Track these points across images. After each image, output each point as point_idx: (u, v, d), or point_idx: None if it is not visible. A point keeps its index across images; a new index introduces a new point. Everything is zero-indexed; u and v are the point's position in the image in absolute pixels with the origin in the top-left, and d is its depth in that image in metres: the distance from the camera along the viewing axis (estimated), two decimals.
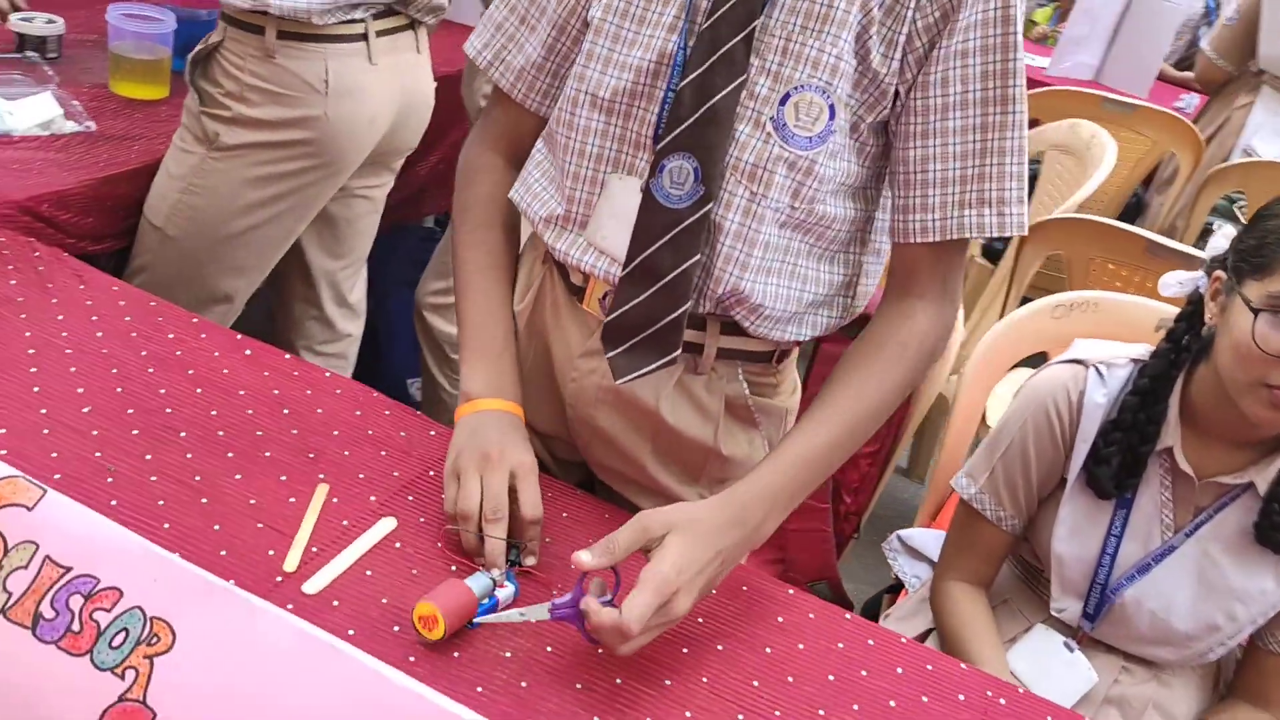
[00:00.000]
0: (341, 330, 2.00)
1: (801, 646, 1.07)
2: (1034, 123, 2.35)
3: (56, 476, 1.04)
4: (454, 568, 1.06)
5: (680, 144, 1.02)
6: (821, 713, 1.00)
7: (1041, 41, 4.25)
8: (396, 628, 0.98)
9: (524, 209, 1.16)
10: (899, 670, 1.08)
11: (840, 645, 1.09)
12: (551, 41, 1.13)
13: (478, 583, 1.00)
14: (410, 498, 1.13)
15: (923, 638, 1.51)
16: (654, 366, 1.08)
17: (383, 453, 1.18)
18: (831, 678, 1.05)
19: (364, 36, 1.66)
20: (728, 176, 1.05)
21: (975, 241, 2.47)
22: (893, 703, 1.04)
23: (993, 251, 2.72)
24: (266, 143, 1.65)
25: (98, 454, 1.08)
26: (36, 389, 1.15)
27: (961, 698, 1.06)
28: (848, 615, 1.13)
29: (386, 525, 1.08)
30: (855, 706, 1.02)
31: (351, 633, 0.96)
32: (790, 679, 1.03)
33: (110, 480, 1.05)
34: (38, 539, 0.78)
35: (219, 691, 0.74)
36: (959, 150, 1.03)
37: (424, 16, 1.77)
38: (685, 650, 1.04)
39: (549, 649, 1.00)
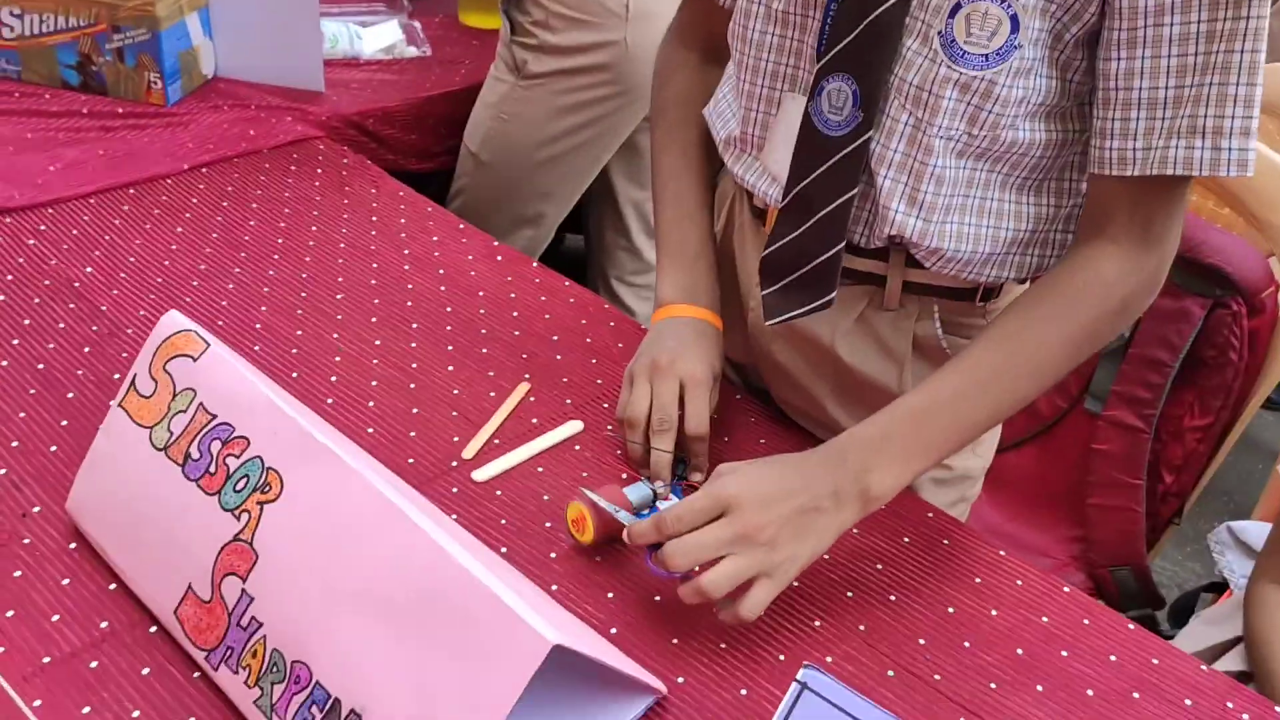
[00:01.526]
0: (650, 261, 2.02)
1: (994, 613, 0.94)
2: None
3: (294, 351, 1.14)
4: (625, 476, 1.03)
5: (839, 63, 0.91)
6: (993, 686, 0.87)
7: None
8: (549, 524, 0.97)
9: (711, 128, 1.09)
10: (1112, 658, 0.91)
11: (1045, 619, 0.94)
12: None
13: (637, 492, 0.97)
14: (605, 404, 1.12)
15: (1229, 646, 1.28)
16: (805, 310, 0.98)
17: (593, 360, 1.18)
18: (1020, 651, 0.91)
19: None
20: (890, 100, 0.92)
21: None
22: (1090, 692, 0.88)
23: None
24: (569, 69, 1.69)
25: (335, 335, 1.17)
26: (304, 275, 1.26)
27: (1189, 703, 0.88)
28: (1066, 588, 0.97)
29: (572, 427, 1.08)
30: (1039, 688, 0.88)
31: (504, 522, 0.97)
32: (966, 644, 0.91)
33: (338, 359, 1.14)
34: (196, 387, 0.85)
35: (308, 543, 0.77)
36: (1173, 65, 0.83)
37: None
38: (850, 594, 0.94)
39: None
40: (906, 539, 1.01)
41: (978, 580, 0.97)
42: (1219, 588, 1.46)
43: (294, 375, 1.11)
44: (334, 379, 1.11)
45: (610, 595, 0.91)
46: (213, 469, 0.82)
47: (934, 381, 0.92)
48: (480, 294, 1.27)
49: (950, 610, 0.94)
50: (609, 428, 1.09)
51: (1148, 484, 1.49)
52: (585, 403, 1.12)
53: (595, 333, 1.23)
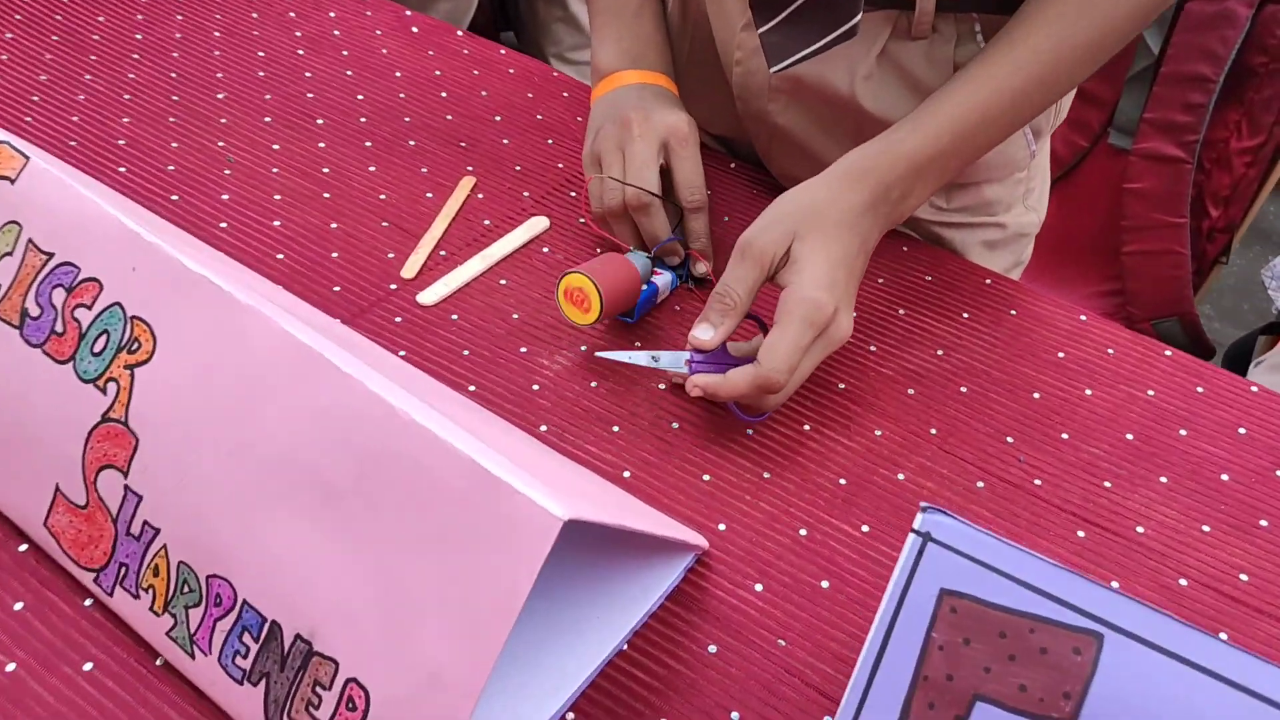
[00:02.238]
0: None
1: (1089, 393, 0.76)
2: None
3: (170, 169, 0.89)
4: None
5: None
6: (1108, 484, 0.70)
7: None
8: (524, 349, 0.77)
9: None
10: (1241, 431, 0.73)
11: (1150, 393, 0.76)
12: None
13: (635, 258, 0.77)
14: (573, 194, 0.90)
15: None
16: (822, 44, 0.74)
17: (549, 141, 0.95)
18: (1130, 437, 0.73)
19: None
20: None
21: None
22: (1225, 476, 0.71)
23: None
24: None
25: (220, 144, 0.93)
26: (174, 74, 1.00)
27: None
28: (1168, 352, 0.79)
29: (536, 225, 0.86)
30: (1163, 479, 0.70)
31: (466, 353, 0.76)
32: (1064, 435, 0.73)
33: (228, 173, 0.89)
34: (21, 219, 0.62)
35: (202, 416, 0.55)
36: None
37: None
38: (911, 391, 0.75)
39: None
40: (966, 314, 0.81)
41: (1061, 355, 0.78)
42: (1277, 328, 1.29)
43: (173, 198, 0.87)
44: (225, 197, 0.87)
45: (615, 429, 0.71)
46: (59, 327, 0.60)
47: (972, 82, 0.72)
48: (397, 75, 1.02)
49: (1036, 396, 0.75)
50: (581, 220, 0.87)
51: (1191, 222, 1.30)
52: (547, 193, 0.90)
53: (546, 107, 0.99)
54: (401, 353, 0.76)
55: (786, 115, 0.87)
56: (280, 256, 0.82)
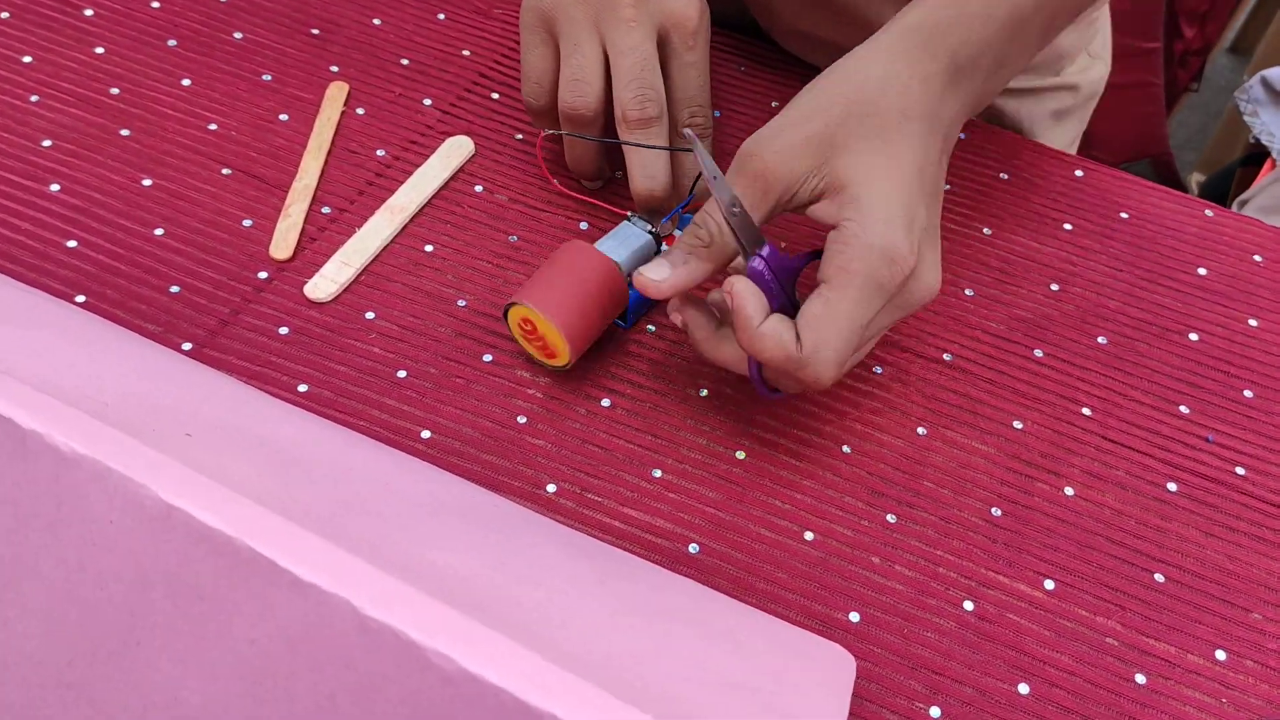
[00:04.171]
0: None
1: (1254, 324, 0.57)
2: None
3: None
4: (584, 225, 0.57)
5: None
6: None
7: None
8: (489, 357, 0.51)
9: None
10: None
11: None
12: None
13: (626, 244, 0.51)
14: (495, 95, 0.62)
15: None
16: None
17: (440, 15, 0.66)
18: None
19: None
20: None
21: None
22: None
23: None
24: None
25: None
26: None
27: None
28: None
29: (456, 150, 0.59)
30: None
31: (402, 375, 0.50)
32: (1248, 394, 0.54)
33: None
34: None
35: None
36: None
37: None
38: (1039, 354, 0.54)
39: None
40: (1068, 225, 0.60)
41: (1202, 272, 0.59)
42: (1256, 159, 1.15)
43: None
44: None
45: (657, 473, 0.48)
46: None
47: None
48: None
49: (1194, 338, 0.56)
50: (518, 135, 0.60)
51: (1165, 45, 1.12)
52: (458, 97, 0.62)
53: None
54: (303, 386, 0.49)
55: None
56: (71, 244, 0.53)
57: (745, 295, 0.43)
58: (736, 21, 0.68)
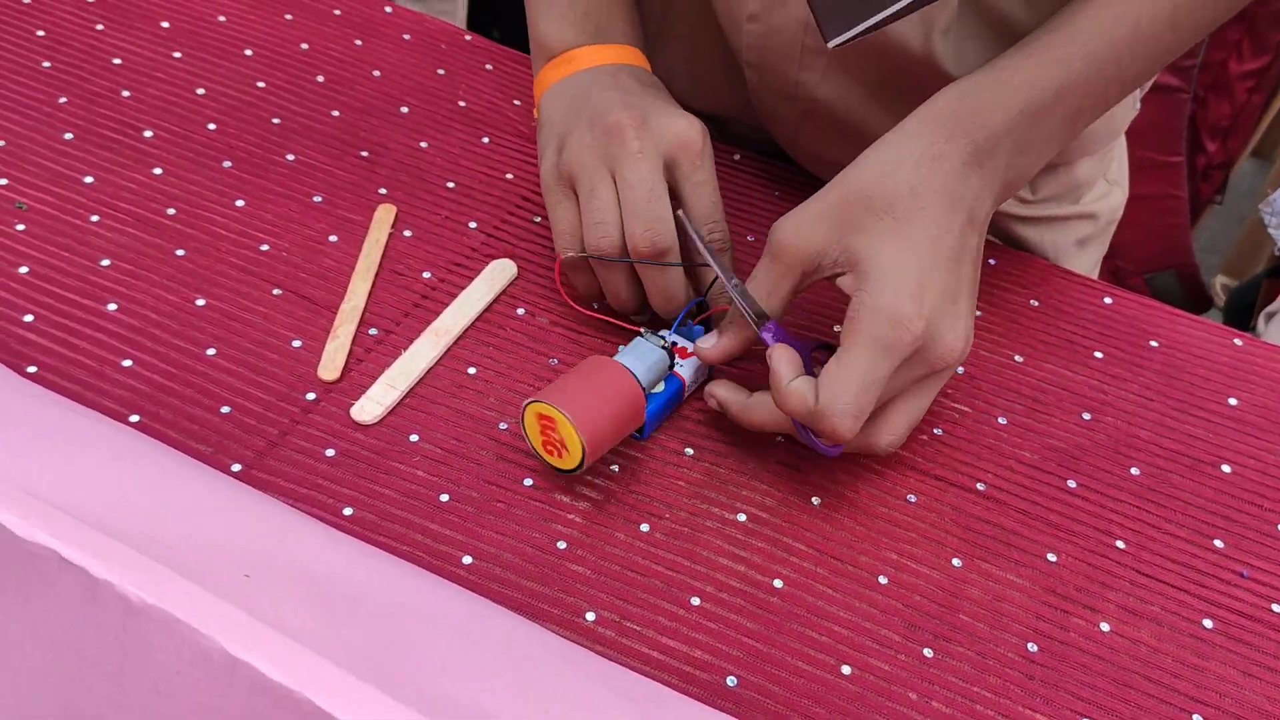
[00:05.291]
0: None
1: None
2: None
3: None
4: (623, 347, 0.58)
5: None
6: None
7: None
8: (529, 481, 0.52)
9: None
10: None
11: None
12: None
13: (641, 359, 0.53)
14: (537, 219, 0.64)
15: None
16: (899, 8, 0.51)
17: (485, 139, 0.69)
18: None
19: None
20: None
21: None
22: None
23: None
24: None
25: (1, 182, 0.63)
26: None
27: None
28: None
29: (500, 273, 0.60)
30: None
31: (445, 499, 0.51)
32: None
33: (21, 227, 0.60)
34: None
35: None
36: None
37: None
38: (1072, 484, 0.55)
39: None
40: (1099, 354, 0.61)
41: (1233, 403, 0.59)
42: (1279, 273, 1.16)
43: None
44: (24, 270, 0.58)
45: (695, 600, 0.48)
46: None
47: (1102, 22, 0.52)
48: (247, 52, 0.73)
49: (1226, 470, 0.56)
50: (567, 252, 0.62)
51: (1188, 159, 1.14)
52: (502, 220, 0.64)
53: (469, 88, 0.72)
54: (348, 510, 0.50)
55: (826, 86, 0.63)
56: (127, 364, 0.54)
57: (778, 358, 0.49)
58: (771, 150, 0.70)
